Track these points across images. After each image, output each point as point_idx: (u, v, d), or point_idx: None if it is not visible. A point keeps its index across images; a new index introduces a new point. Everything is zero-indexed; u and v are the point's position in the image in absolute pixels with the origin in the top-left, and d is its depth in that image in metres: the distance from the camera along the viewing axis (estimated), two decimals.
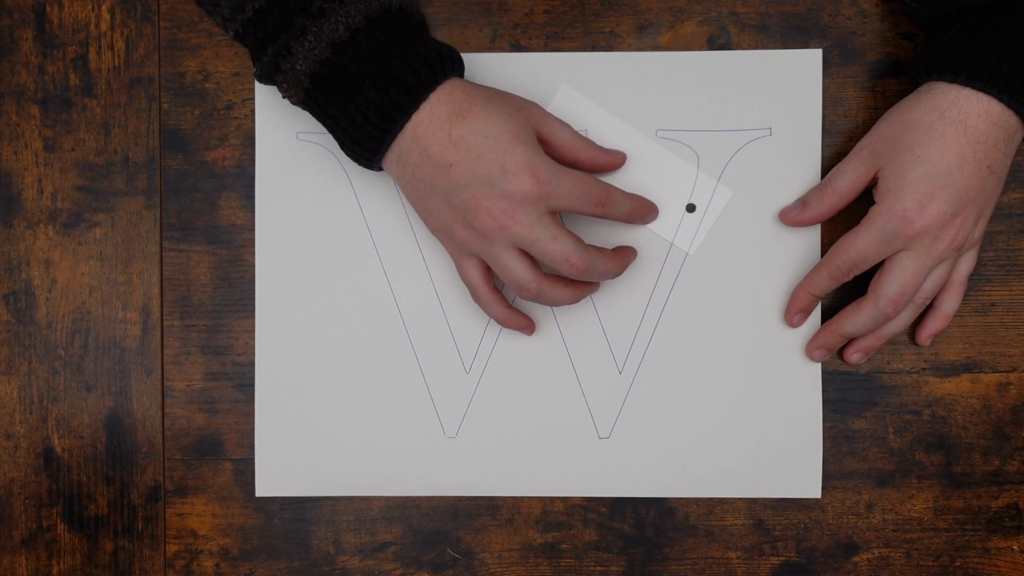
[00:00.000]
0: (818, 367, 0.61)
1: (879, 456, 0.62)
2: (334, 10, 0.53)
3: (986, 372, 0.62)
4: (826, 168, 0.61)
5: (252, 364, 0.62)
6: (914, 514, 0.62)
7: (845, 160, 0.58)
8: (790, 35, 0.61)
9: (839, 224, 0.61)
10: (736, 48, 0.61)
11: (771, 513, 0.62)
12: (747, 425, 0.61)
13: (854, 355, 0.60)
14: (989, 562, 0.62)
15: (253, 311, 0.62)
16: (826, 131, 0.61)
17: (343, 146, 0.56)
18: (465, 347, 0.62)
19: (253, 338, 0.62)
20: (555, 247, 0.54)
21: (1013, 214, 0.62)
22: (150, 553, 0.63)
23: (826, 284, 0.59)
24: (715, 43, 0.61)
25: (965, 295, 0.60)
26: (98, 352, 0.63)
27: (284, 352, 0.62)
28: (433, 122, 0.53)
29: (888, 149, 0.56)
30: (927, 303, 0.58)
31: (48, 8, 0.62)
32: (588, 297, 0.61)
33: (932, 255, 0.55)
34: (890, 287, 0.56)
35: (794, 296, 0.60)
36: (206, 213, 0.62)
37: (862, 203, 0.59)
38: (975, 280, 0.61)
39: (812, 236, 0.61)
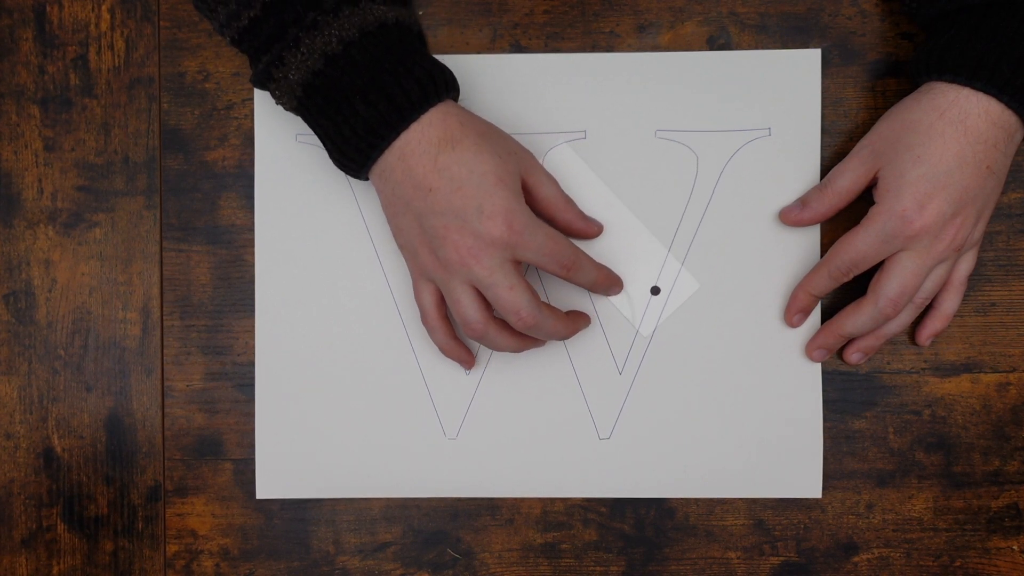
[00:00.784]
0: (818, 367, 0.61)
1: (879, 456, 0.62)
2: (328, 23, 0.53)
3: (986, 372, 0.62)
4: (826, 168, 0.61)
5: (252, 364, 0.62)
6: (914, 514, 0.62)
7: (845, 160, 0.58)
8: (790, 35, 0.61)
9: (839, 224, 0.61)
10: (736, 48, 0.61)
11: (771, 513, 0.62)
12: (747, 425, 0.61)
13: (854, 355, 0.60)
14: (989, 562, 0.62)
15: (253, 311, 0.62)
16: (826, 131, 0.61)
17: (331, 155, 0.56)
18: None
19: (253, 338, 0.62)
20: (509, 296, 0.54)
21: (1013, 214, 0.62)
22: (150, 553, 0.63)
23: (826, 284, 0.59)
24: (715, 43, 0.61)
25: (965, 295, 0.60)
26: (98, 352, 0.63)
27: (284, 353, 0.62)
28: (422, 144, 0.54)
29: (888, 149, 0.56)
30: (927, 303, 0.58)
31: (48, 8, 0.62)
32: (588, 296, 0.61)
33: (932, 255, 0.55)
34: (890, 287, 0.56)
35: (794, 296, 0.60)
36: (206, 213, 0.62)
37: (862, 203, 0.59)
38: (975, 280, 0.61)
39: (812, 236, 0.61)
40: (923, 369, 0.62)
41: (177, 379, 0.63)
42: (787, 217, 0.60)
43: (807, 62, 0.61)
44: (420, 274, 0.57)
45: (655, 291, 0.61)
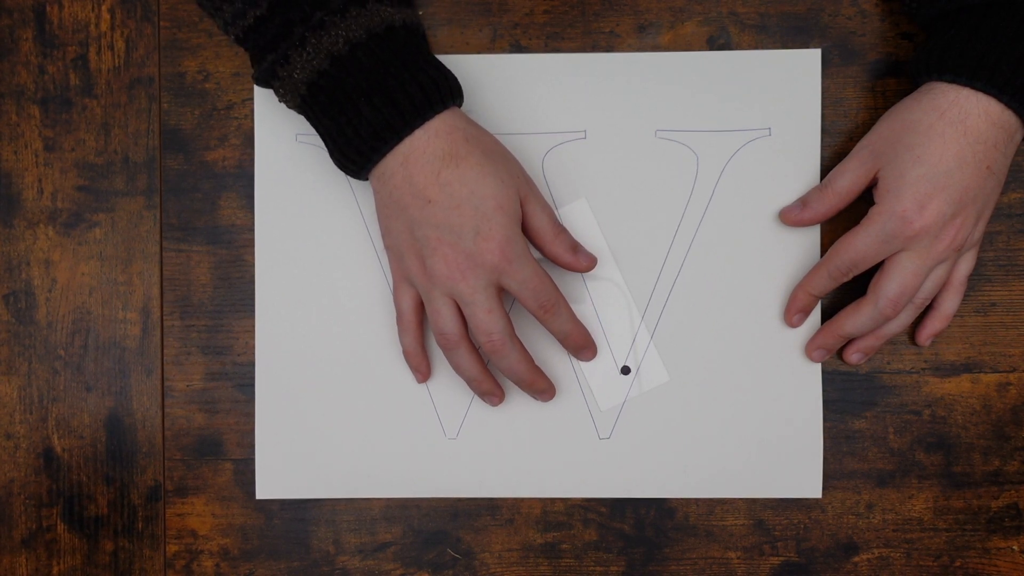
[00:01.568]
0: (818, 367, 0.61)
1: (879, 456, 0.62)
2: (335, 23, 0.53)
3: (986, 372, 0.62)
4: (826, 168, 0.61)
5: (252, 364, 0.62)
6: (914, 514, 0.62)
7: (845, 160, 0.58)
8: (790, 35, 0.61)
9: (839, 224, 0.61)
10: (736, 48, 0.61)
11: (771, 513, 0.62)
12: (747, 425, 0.61)
13: (854, 355, 0.60)
14: (989, 562, 0.62)
15: (253, 311, 0.62)
16: (826, 131, 0.61)
17: (331, 154, 0.56)
18: None
19: (253, 338, 0.62)
20: (486, 318, 0.55)
21: (1013, 214, 0.62)
22: (150, 553, 0.63)
23: (825, 284, 0.59)
24: (715, 43, 0.61)
25: (965, 295, 0.60)
26: (98, 352, 0.63)
27: (284, 353, 0.62)
28: (426, 154, 0.54)
29: (888, 149, 0.56)
30: (927, 303, 0.58)
31: (48, 8, 0.62)
32: (588, 296, 0.61)
33: (931, 255, 0.55)
34: (889, 287, 0.56)
35: (793, 296, 0.60)
36: (206, 213, 0.62)
37: (862, 203, 0.59)
38: (975, 280, 0.61)
39: (812, 236, 0.61)
40: (923, 369, 0.62)
41: (177, 379, 0.63)
42: (787, 217, 0.60)
43: (807, 62, 0.61)
44: (402, 278, 0.58)
45: (625, 370, 0.61)
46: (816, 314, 0.61)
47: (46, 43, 0.62)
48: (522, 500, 0.62)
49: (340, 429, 0.62)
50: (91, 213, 0.62)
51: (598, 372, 0.61)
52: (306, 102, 0.55)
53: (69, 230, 0.62)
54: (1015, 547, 0.62)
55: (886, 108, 0.58)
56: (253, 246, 0.62)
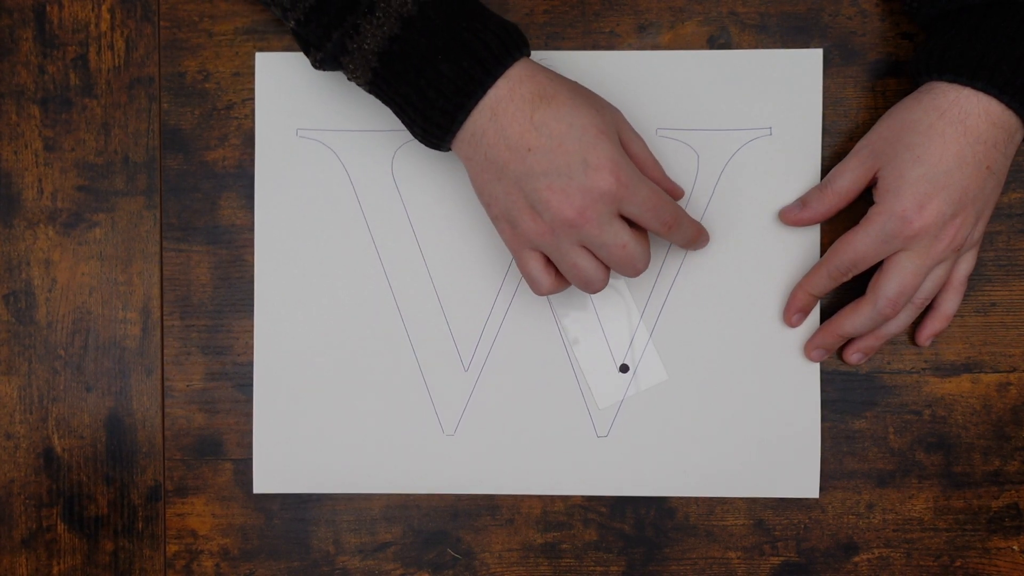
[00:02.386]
0: (817, 367, 0.61)
1: (879, 456, 0.62)
2: None
3: (986, 372, 0.62)
4: (826, 168, 0.61)
5: (252, 364, 0.62)
6: (914, 514, 0.62)
7: (845, 160, 0.58)
8: (790, 35, 0.61)
9: (839, 224, 0.61)
10: (736, 48, 0.61)
11: (771, 513, 0.62)
12: (745, 424, 0.61)
13: (853, 355, 0.60)
14: (989, 562, 0.62)
15: (253, 311, 0.62)
16: (826, 131, 0.61)
17: (412, 126, 0.54)
18: (464, 345, 0.62)
19: (253, 338, 0.62)
20: (623, 254, 0.53)
21: (1013, 214, 0.62)
22: (150, 553, 0.63)
23: (825, 284, 0.59)
24: (715, 43, 0.61)
25: (965, 295, 0.60)
26: (98, 352, 0.63)
27: (282, 349, 0.62)
28: (515, 101, 0.52)
29: (888, 149, 0.56)
30: (926, 303, 0.58)
31: (48, 8, 0.62)
32: (587, 294, 0.61)
33: (931, 255, 0.55)
34: (888, 287, 0.56)
35: (793, 296, 0.60)
36: (206, 213, 0.62)
37: (862, 203, 0.59)
38: (975, 280, 0.61)
39: (812, 236, 0.61)
40: (923, 369, 0.62)
41: (177, 379, 0.63)
42: (787, 217, 0.60)
43: (809, 62, 0.61)
44: (522, 244, 0.55)
45: (624, 369, 0.61)
46: (815, 314, 0.61)
47: (46, 43, 0.62)
48: (522, 500, 0.62)
49: (338, 425, 0.62)
50: (91, 213, 0.62)
51: (596, 370, 0.61)
52: (378, 74, 0.53)
53: (69, 230, 0.62)
54: (1015, 547, 0.62)
55: (886, 108, 0.58)
56: (253, 246, 0.62)
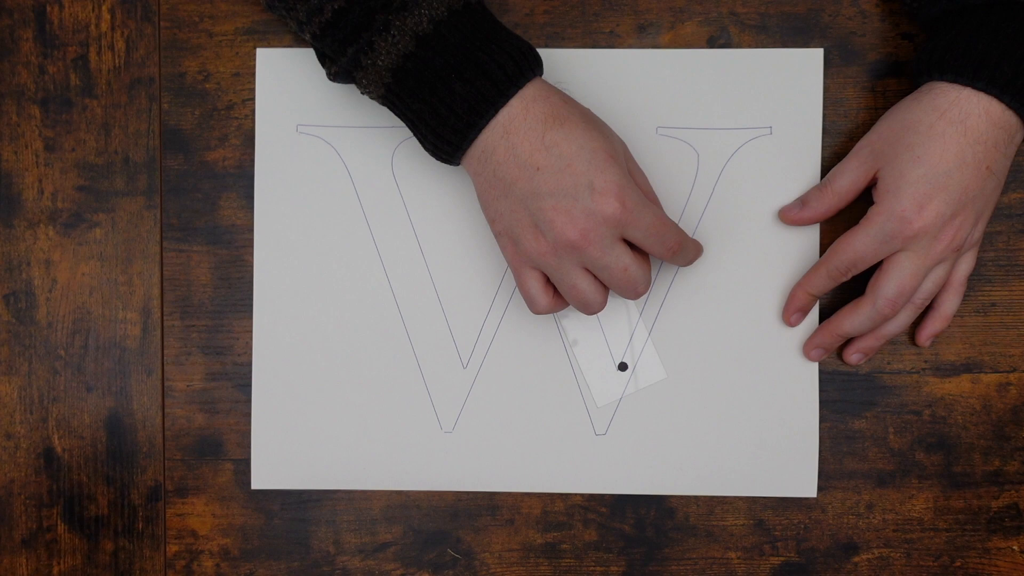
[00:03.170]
0: (815, 367, 0.61)
1: (879, 456, 0.62)
2: (417, 4, 0.52)
3: (986, 372, 0.62)
4: (826, 168, 0.61)
5: (252, 363, 0.62)
6: (914, 514, 0.62)
7: (845, 160, 0.58)
8: (790, 35, 0.61)
9: (838, 224, 0.61)
10: (736, 48, 0.61)
11: (771, 513, 0.62)
12: (743, 424, 0.61)
13: (853, 355, 0.60)
14: (989, 562, 0.62)
15: (253, 311, 0.62)
16: (826, 131, 0.61)
17: (424, 140, 0.55)
18: (463, 342, 0.62)
19: (253, 337, 0.62)
20: (624, 277, 0.54)
21: (1013, 214, 0.62)
22: (150, 553, 0.63)
23: (824, 284, 0.59)
24: (715, 43, 0.61)
25: (965, 295, 0.60)
26: (98, 352, 0.63)
27: (281, 345, 0.62)
28: (528, 121, 0.52)
29: (888, 149, 0.56)
30: (926, 304, 0.58)
31: (48, 8, 0.62)
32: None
33: (930, 256, 0.55)
34: (888, 287, 0.56)
35: (792, 295, 0.60)
36: (206, 213, 0.62)
37: (862, 203, 0.59)
38: (975, 280, 0.61)
39: (811, 235, 0.61)
40: (923, 369, 0.62)
41: (177, 379, 0.63)
42: (786, 216, 0.60)
43: (809, 61, 0.61)
44: (523, 262, 0.55)
45: (622, 367, 0.61)
46: (815, 313, 0.61)
47: (46, 43, 0.62)
48: (522, 500, 0.62)
49: (336, 422, 0.62)
50: (91, 213, 0.63)
51: (595, 368, 0.61)
52: (391, 90, 0.54)
53: (69, 230, 0.63)
54: (1015, 547, 0.62)
55: (886, 108, 0.58)
56: (253, 246, 0.62)
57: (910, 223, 0.54)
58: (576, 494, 0.62)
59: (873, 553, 0.62)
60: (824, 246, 0.61)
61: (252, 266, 0.62)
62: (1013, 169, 0.61)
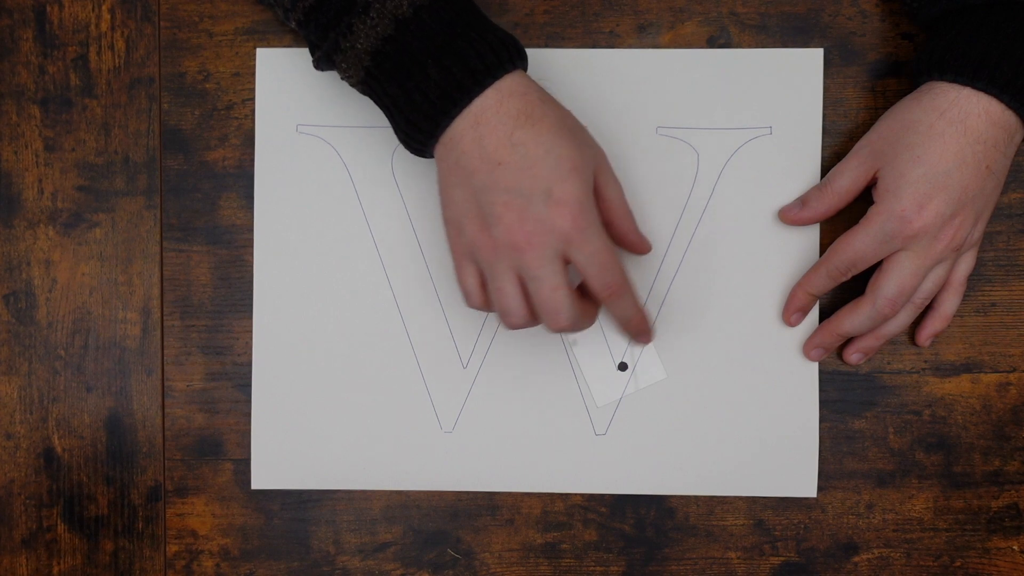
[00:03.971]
0: (815, 366, 0.61)
1: (879, 456, 0.62)
2: None
3: (986, 372, 0.62)
4: (826, 168, 0.61)
5: (252, 363, 0.62)
6: (914, 514, 0.62)
7: (845, 160, 0.58)
8: (790, 35, 0.61)
9: (838, 223, 0.61)
10: (736, 48, 0.61)
11: (771, 513, 0.62)
12: (743, 424, 0.61)
13: (853, 355, 0.60)
14: (989, 562, 0.62)
15: (253, 311, 0.62)
16: (826, 131, 0.61)
17: (398, 129, 0.54)
18: (463, 342, 0.62)
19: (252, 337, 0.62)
20: (552, 296, 0.51)
21: (1013, 214, 0.62)
22: (150, 553, 0.63)
23: (824, 283, 0.59)
24: (715, 43, 0.61)
25: (965, 295, 0.60)
26: (98, 352, 0.63)
27: (281, 345, 0.62)
28: (499, 114, 0.51)
29: (888, 149, 0.56)
30: (926, 303, 0.58)
31: (48, 8, 0.62)
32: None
33: (930, 255, 0.55)
34: (888, 287, 0.56)
35: (792, 295, 0.60)
36: (206, 213, 0.62)
37: (862, 203, 0.59)
38: (975, 280, 0.61)
39: (811, 235, 0.61)
40: (923, 369, 0.62)
41: (177, 379, 0.63)
42: (786, 216, 0.60)
43: (809, 61, 0.61)
44: (463, 253, 0.54)
45: (622, 367, 0.61)
46: (814, 313, 0.61)
47: (46, 43, 0.62)
48: (522, 500, 0.62)
49: (336, 422, 0.62)
50: (91, 213, 0.63)
51: (595, 368, 0.61)
52: (370, 74, 0.53)
53: (69, 230, 0.63)
54: (1015, 547, 0.62)
55: (886, 108, 0.58)
56: (253, 246, 0.62)
57: (910, 223, 0.54)
58: (576, 494, 0.62)
59: (873, 553, 0.62)
60: (824, 246, 0.61)
61: (252, 266, 0.62)
62: (1013, 169, 0.61)
